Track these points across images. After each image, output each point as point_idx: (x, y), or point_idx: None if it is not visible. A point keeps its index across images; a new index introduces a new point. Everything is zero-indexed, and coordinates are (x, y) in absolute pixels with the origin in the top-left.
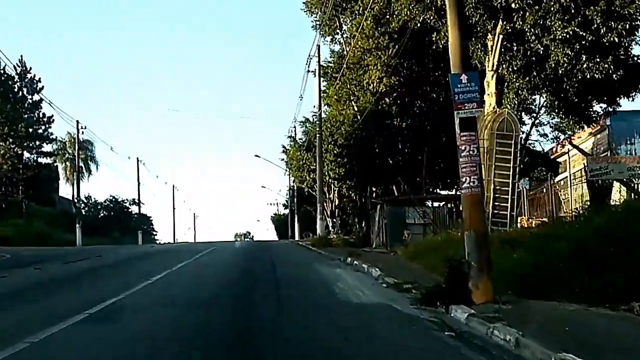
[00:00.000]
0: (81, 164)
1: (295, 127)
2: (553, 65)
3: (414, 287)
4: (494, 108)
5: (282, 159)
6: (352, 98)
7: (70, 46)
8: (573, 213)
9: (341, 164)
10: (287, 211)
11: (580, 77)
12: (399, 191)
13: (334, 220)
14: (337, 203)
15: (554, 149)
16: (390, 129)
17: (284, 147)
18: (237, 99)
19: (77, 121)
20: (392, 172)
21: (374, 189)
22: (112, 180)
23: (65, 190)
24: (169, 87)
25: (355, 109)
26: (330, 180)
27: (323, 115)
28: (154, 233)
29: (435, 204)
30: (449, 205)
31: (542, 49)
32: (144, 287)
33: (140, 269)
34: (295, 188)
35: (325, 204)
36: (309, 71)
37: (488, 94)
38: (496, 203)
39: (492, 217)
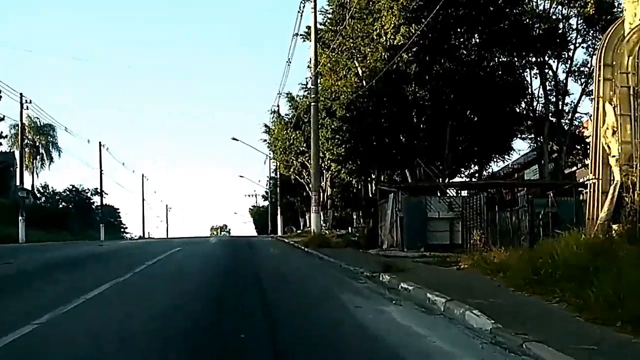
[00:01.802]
0: (41, 150)
1: (279, 98)
2: None
3: None
4: None
5: (264, 141)
6: (357, 57)
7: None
8: None
9: (341, 141)
10: (266, 203)
11: None
12: (414, 178)
13: (327, 213)
14: (329, 192)
15: None
16: (405, 97)
17: (266, 126)
18: (212, 79)
19: (21, 94)
20: (406, 152)
21: (381, 175)
22: (83, 170)
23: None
24: (135, 68)
25: (360, 72)
26: (327, 163)
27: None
28: (123, 227)
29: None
30: (486, 194)
31: None
32: None
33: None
34: (278, 176)
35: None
36: (296, 34)
37: None
38: None
39: None
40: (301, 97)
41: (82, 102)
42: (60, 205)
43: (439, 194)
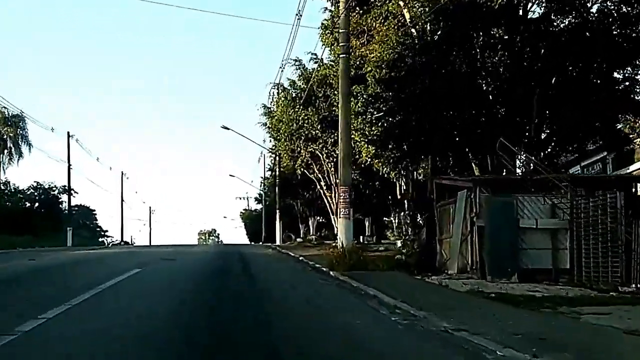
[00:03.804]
0: (9, 143)
1: (283, 69)
2: None
3: None
4: None
5: (264, 125)
6: None
7: None
8: None
9: (378, 117)
10: (260, 206)
11: None
12: (482, 170)
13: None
14: None
15: None
16: (475, 56)
17: (265, 107)
18: (200, 67)
19: None
20: (477, 131)
21: (437, 163)
22: (60, 168)
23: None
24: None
25: (407, 16)
26: (357, 147)
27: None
28: (100, 230)
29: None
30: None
31: None
32: None
33: None
34: (278, 171)
35: (328, 195)
36: None
37: None
38: None
39: None
40: (311, 71)
41: (53, 94)
42: (26, 205)
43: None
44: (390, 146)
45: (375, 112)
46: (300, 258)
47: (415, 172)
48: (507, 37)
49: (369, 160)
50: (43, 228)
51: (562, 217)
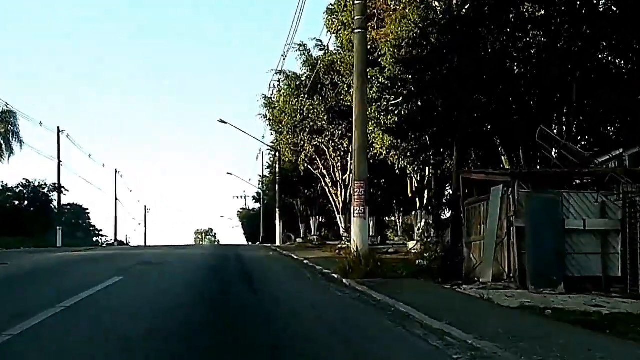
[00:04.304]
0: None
1: (286, 54)
2: None
3: None
4: None
5: (264, 117)
6: None
7: None
8: None
9: (395, 104)
10: (257, 205)
11: None
12: (512, 164)
13: (346, 220)
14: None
15: None
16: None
17: (265, 97)
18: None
19: None
20: (508, 116)
21: (464, 156)
22: (51, 167)
23: None
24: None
25: None
26: (370, 138)
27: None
28: (94, 229)
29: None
30: None
31: None
32: None
33: None
34: (278, 167)
35: (334, 192)
36: None
37: None
38: None
39: None
40: (317, 58)
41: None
42: (15, 204)
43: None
44: (410, 135)
45: (392, 98)
46: (305, 262)
47: (436, 167)
48: (541, 13)
49: (384, 153)
50: (34, 227)
51: (613, 216)
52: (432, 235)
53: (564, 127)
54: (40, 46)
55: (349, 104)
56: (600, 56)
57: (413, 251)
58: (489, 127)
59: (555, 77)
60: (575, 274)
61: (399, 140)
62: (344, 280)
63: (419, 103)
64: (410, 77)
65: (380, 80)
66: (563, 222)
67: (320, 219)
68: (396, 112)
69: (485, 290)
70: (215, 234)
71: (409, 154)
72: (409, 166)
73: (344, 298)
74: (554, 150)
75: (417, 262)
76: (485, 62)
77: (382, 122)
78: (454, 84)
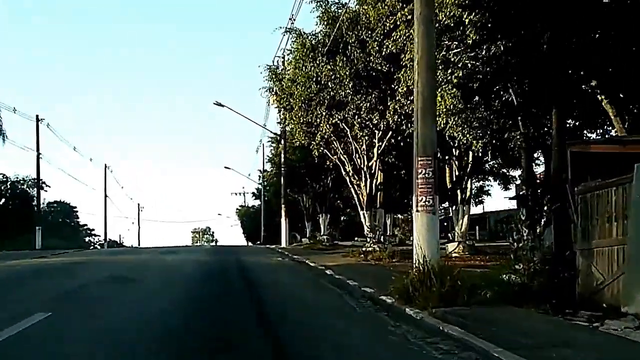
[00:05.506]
0: None
1: (299, 9)
2: None
3: None
4: None
5: (269, 90)
6: None
7: None
8: None
9: (473, 45)
10: (257, 202)
11: None
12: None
13: (374, 215)
14: (380, 181)
15: None
16: None
17: (270, 69)
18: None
19: None
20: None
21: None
22: (42, 166)
23: None
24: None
25: None
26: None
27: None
28: (86, 228)
29: None
30: None
31: None
32: None
33: None
34: (283, 154)
35: (356, 182)
36: None
37: None
38: None
39: None
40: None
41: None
42: None
43: None
44: (496, 90)
45: (465, 39)
46: (328, 272)
47: (531, 137)
48: None
49: (442, 122)
50: (14, 227)
51: None
52: (525, 237)
53: None
54: (36, 40)
55: (380, 67)
56: None
57: (455, 255)
58: (593, 78)
59: None
60: None
61: (481, 97)
62: (408, 311)
63: (505, 43)
64: (484, 12)
65: (440, 18)
66: None
67: (329, 217)
68: (460, 65)
69: None
70: (212, 232)
71: (484, 122)
72: (477, 142)
73: (427, 352)
74: None
75: (504, 276)
76: None
77: (441, 79)
78: (556, 15)
